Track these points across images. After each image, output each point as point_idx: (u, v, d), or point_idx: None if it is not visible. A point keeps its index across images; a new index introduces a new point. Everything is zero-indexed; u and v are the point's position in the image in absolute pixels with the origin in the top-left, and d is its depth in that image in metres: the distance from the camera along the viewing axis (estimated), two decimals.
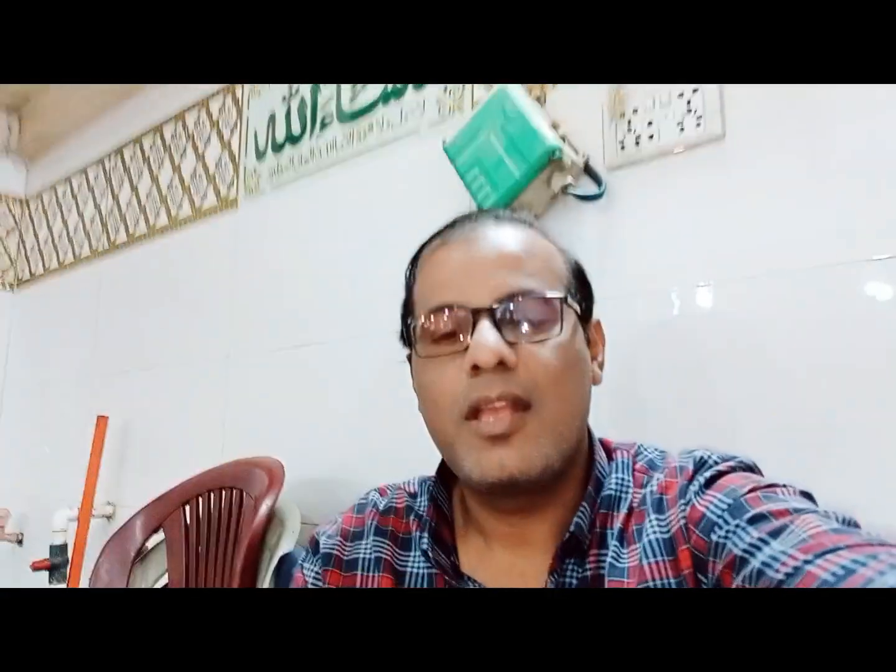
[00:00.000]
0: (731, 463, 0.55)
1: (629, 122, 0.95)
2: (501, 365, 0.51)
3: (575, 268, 0.62)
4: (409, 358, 0.62)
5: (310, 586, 0.62)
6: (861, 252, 0.76)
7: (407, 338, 0.60)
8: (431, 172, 1.14)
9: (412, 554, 0.61)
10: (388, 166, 1.26)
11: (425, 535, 0.59)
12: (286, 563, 1.03)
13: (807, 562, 0.39)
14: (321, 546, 0.64)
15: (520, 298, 0.54)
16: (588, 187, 0.97)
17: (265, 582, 1.04)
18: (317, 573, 0.62)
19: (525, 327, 0.54)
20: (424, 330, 0.56)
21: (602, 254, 0.96)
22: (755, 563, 0.42)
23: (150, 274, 1.78)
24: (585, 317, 0.60)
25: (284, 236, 1.44)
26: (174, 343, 1.66)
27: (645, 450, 0.62)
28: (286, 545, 1.04)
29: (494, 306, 0.53)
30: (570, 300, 0.56)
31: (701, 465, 0.55)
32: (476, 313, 0.53)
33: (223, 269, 1.56)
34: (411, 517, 0.63)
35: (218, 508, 1.19)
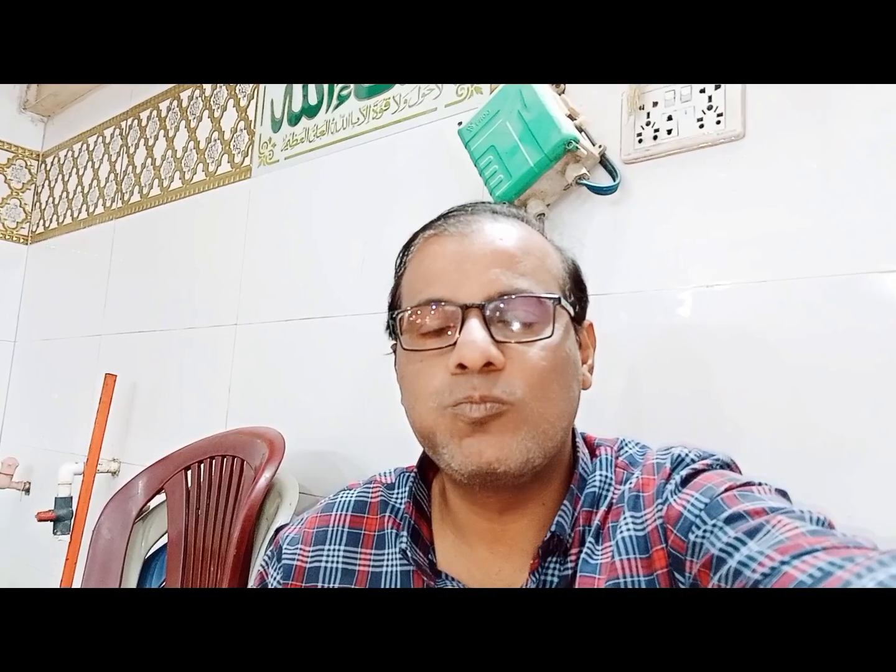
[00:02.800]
0: (708, 461, 0.55)
1: (648, 115, 0.93)
2: (488, 365, 0.50)
3: (571, 268, 0.60)
4: (394, 349, 0.60)
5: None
6: (877, 262, 0.75)
7: (392, 329, 0.58)
8: (447, 152, 1.13)
9: (387, 551, 0.60)
10: (404, 144, 1.25)
11: (404, 533, 0.58)
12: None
13: (784, 562, 0.39)
14: (283, 554, 0.63)
15: (512, 297, 0.52)
16: (602, 179, 0.96)
17: (261, 550, 1.07)
18: (278, 584, 0.62)
19: (515, 327, 0.52)
20: (411, 323, 0.55)
21: (613, 247, 0.95)
22: (732, 563, 0.43)
23: (163, 236, 1.78)
24: (578, 319, 0.59)
25: (297, 208, 1.44)
26: (184, 306, 1.67)
27: (627, 444, 0.61)
28: (283, 517, 1.06)
29: (485, 304, 0.51)
30: (563, 302, 0.55)
31: (678, 462, 0.55)
32: (466, 310, 0.51)
33: (235, 236, 1.56)
34: (387, 512, 0.62)
35: (219, 475, 1.21)
